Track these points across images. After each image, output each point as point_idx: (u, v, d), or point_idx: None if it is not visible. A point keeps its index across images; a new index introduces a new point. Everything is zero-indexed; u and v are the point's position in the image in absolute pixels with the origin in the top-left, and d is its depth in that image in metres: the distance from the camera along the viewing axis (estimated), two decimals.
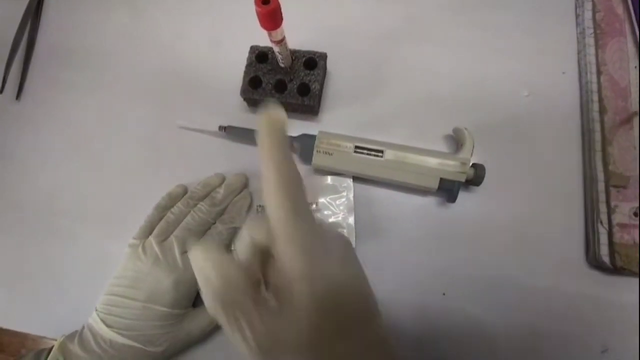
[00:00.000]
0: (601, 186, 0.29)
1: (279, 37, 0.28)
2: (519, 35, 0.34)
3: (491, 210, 0.31)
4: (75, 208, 0.35)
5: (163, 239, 0.30)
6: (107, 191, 0.35)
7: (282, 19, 0.26)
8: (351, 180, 0.31)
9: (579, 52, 0.33)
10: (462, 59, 0.34)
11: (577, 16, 0.34)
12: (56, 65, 0.38)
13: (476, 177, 0.29)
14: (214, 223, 0.31)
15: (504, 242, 0.31)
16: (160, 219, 0.31)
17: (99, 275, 0.31)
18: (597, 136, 0.30)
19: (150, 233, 0.30)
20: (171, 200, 0.32)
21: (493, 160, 0.31)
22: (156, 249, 0.29)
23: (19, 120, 0.37)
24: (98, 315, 0.28)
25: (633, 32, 0.31)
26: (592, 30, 0.32)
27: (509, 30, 0.35)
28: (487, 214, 0.31)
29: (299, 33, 0.32)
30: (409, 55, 0.35)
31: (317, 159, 0.30)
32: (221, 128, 0.33)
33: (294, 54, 0.32)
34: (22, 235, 0.34)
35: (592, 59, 0.32)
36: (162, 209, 0.31)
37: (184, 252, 0.29)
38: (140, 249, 0.29)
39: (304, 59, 0.32)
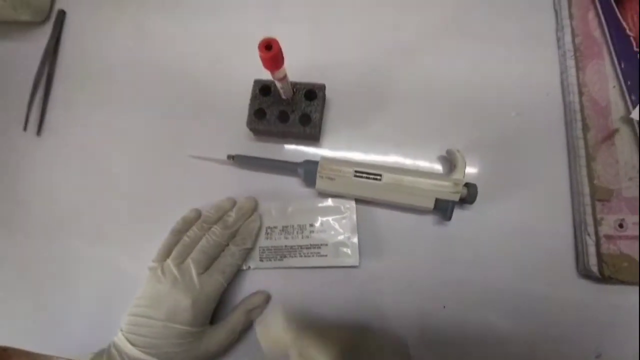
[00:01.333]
0: (587, 200, 0.31)
1: (281, 75, 0.30)
2: (505, 58, 0.37)
3: (485, 225, 0.33)
4: (94, 232, 0.37)
5: (180, 262, 0.32)
6: (124, 216, 0.37)
7: (283, 60, 0.28)
8: (354, 202, 0.33)
9: (561, 74, 0.35)
10: (453, 83, 0.37)
11: (557, 39, 0.36)
12: (73, 99, 0.41)
13: (469, 196, 0.31)
14: (227, 245, 0.33)
15: (499, 256, 0.33)
16: (177, 242, 0.33)
17: (118, 296, 0.34)
18: (582, 152, 0.32)
19: (167, 256, 0.33)
20: (186, 224, 0.34)
21: (486, 177, 0.34)
22: (174, 271, 0.31)
23: (40, 154, 0.40)
24: (123, 334, 0.31)
25: (610, 55, 0.33)
26: (572, 53, 0.35)
27: (495, 53, 0.37)
28: (482, 229, 0.33)
29: (297, 64, 0.34)
30: (402, 81, 0.37)
31: (320, 184, 0.33)
32: (229, 157, 0.36)
33: (295, 86, 0.35)
34: (44, 260, 0.37)
35: (573, 80, 0.34)
36: (178, 233, 0.34)
37: (200, 273, 0.32)
38: (159, 271, 0.32)
39: (304, 90, 0.35)
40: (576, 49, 0.34)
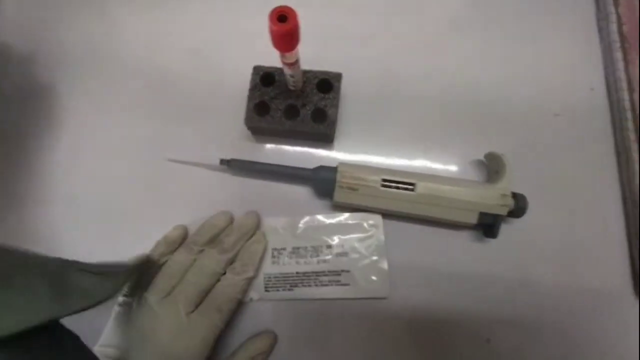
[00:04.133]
0: None
1: (293, 59, 0.24)
2: (540, 51, 0.32)
3: (531, 243, 0.28)
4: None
5: (163, 296, 0.25)
6: (90, 235, 0.29)
7: (299, 39, 0.22)
8: (380, 217, 0.28)
9: (605, 68, 0.32)
10: (485, 80, 0.32)
11: (600, 29, 0.32)
12: (22, 91, 0.33)
13: (517, 209, 0.26)
14: (224, 273, 0.26)
15: (545, 277, 0.28)
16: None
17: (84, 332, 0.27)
18: (635, 156, 0.28)
19: (144, 288, 0.26)
20: (169, 245, 0.27)
21: (526, 186, 0.29)
22: (155, 309, 0.24)
23: None
24: None
25: None
26: (618, 44, 0.31)
27: (530, 46, 0.32)
28: (527, 247, 0.28)
29: (305, 49, 0.28)
30: (429, 76, 0.32)
31: (340, 196, 0.27)
32: (223, 162, 0.29)
33: (305, 75, 0.29)
34: None
35: (621, 74, 0.30)
36: (158, 258, 0.27)
37: (189, 312, 0.25)
38: (134, 309, 0.25)
39: (316, 80, 0.28)
40: (623, 40, 0.30)
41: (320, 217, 0.28)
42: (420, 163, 0.30)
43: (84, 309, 0.20)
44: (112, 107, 0.32)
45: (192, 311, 0.25)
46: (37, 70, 0.33)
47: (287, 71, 0.26)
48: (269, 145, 0.31)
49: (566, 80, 0.32)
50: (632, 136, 0.29)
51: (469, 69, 0.32)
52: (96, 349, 0.25)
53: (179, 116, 0.32)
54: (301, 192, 0.29)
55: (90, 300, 0.20)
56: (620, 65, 0.30)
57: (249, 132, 0.30)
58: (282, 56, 0.24)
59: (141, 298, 0.25)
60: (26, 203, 0.30)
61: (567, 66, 0.32)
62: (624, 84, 0.30)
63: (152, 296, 0.25)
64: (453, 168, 0.30)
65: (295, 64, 0.25)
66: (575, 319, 0.27)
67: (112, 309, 0.26)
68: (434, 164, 0.30)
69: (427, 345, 0.27)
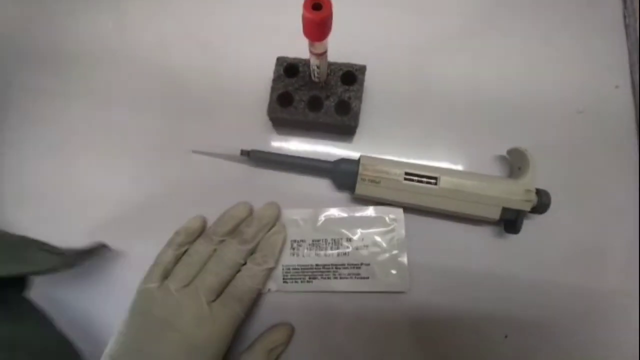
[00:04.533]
0: None
1: (323, 50, 0.24)
2: (563, 48, 0.32)
3: (550, 239, 0.28)
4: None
5: (184, 285, 0.25)
6: (105, 228, 0.29)
7: (331, 28, 0.22)
8: (402, 211, 0.27)
9: (631, 65, 0.31)
10: (506, 76, 0.31)
11: (627, 26, 0.32)
12: (38, 75, 0.32)
13: (540, 205, 0.26)
14: (244, 264, 0.26)
15: (566, 275, 0.28)
16: (176, 258, 0.26)
17: (94, 333, 0.27)
18: None
19: (164, 277, 0.26)
20: (188, 236, 0.27)
21: (547, 183, 0.29)
22: (177, 297, 0.24)
23: None
24: None
25: None
26: None
27: (552, 43, 0.32)
28: (547, 244, 0.28)
29: (330, 41, 0.28)
30: (450, 73, 0.31)
31: (361, 189, 0.26)
32: (244, 152, 0.29)
33: (329, 67, 0.28)
34: None
35: None
36: (178, 247, 0.27)
37: (211, 302, 0.25)
38: (156, 294, 0.25)
39: (340, 72, 0.28)
40: None
41: (340, 210, 0.28)
42: (441, 158, 0.30)
43: (29, 274, 0.25)
44: (130, 100, 0.32)
45: (213, 301, 0.25)
46: (48, 65, 0.33)
47: (314, 62, 0.25)
48: (289, 138, 0.30)
49: (590, 77, 0.31)
50: None
51: (492, 64, 0.32)
52: (114, 338, 0.25)
53: (199, 108, 0.31)
54: (321, 185, 0.29)
55: (36, 267, 0.24)
56: None
57: (270, 125, 0.30)
58: (312, 46, 0.23)
59: (161, 286, 0.25)
60: (42, 200, 0.30)
61: (592, 63, 0.32)
62: None
63: (173, 285, 0.25)
64: (474, 164, 0.30)
65: (323, 54, 0.25)
66: (593, 320, 0.27)
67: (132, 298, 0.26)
68: (455, 159, 0.30)
69: (446, 338, 0.27)
